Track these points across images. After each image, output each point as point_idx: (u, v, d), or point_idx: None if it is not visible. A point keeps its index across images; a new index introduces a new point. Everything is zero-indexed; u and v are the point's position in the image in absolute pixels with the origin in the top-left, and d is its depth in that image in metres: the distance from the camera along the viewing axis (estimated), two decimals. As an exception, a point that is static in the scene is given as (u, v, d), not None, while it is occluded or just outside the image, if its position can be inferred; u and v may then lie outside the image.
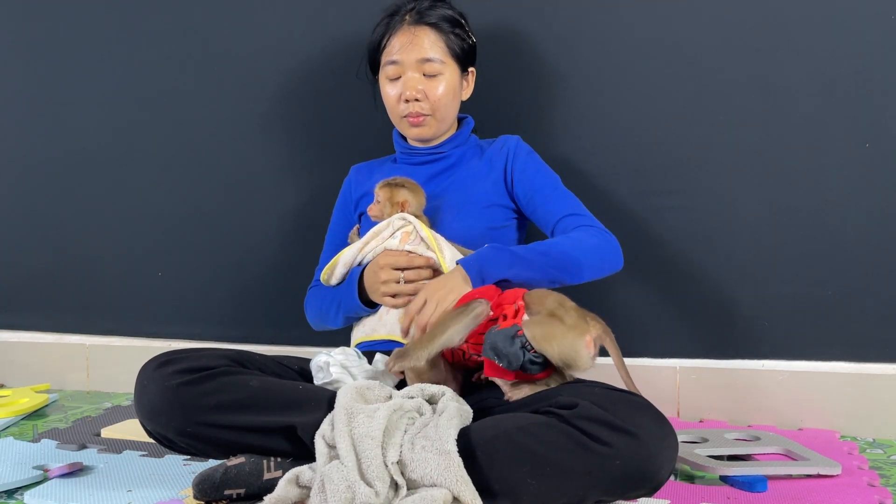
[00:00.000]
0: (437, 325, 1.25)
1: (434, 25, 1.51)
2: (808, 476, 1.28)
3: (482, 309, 1.24)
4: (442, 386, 1.23)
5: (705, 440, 1.41)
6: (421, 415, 1.16)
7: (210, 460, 1.36)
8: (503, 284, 1.33)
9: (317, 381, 1.31)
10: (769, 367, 1.61)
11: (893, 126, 1.53)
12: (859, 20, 1.54)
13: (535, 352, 1.16)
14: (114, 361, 2.05)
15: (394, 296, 1.40)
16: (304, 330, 1.69)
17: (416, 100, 1.51)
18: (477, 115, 1.66)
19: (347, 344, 1.51)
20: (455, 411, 1.14)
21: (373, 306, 1.45)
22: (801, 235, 1.59)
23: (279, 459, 1.20)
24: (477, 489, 1.05)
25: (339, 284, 1.49)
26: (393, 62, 1.52)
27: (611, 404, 1.09)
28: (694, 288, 1.65)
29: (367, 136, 1.80)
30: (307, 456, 1.16)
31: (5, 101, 2.13)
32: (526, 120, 1.73)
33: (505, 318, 1.23)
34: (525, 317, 1.21)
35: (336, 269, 1.48)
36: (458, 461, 1.05)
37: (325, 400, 1.20)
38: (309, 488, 1.11)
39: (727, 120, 1.62)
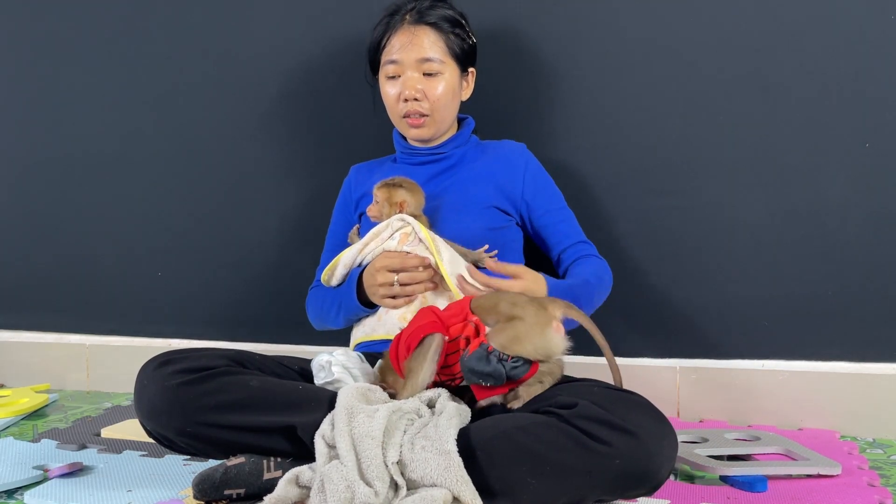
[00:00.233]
0: (409, 372, 1.23)
1: (434, 25, 1.51)
2: (808, 476, 1.28)
3: (438, 341, 1.22)
4: (438, 388, 1.23)
5: (705, 440, 1.41)
6: (420, 416, 1.16)
7: (210, 460, 1.36)
8: None
9: (318, 381, 1.31)
10: (769, 367, 1.61)
11: (893, 126, 1.53)
12: (859, 20, 1.54)
13: (512, 357, 1.16)
14: (114, 361, 2.05)
15: (392, 297, 1.40)
16: (304, 330, 1.70)
17: (416, 99, 1.51)
18: (477, 115, 1.66)
19: (347, 343, 1.51)
20: (454, 411, 1.14)
21: (372, 307, 1.45)
22: (801, 236, 1.59)
23: (279, 459, 1.20)
24: (477, 489, 1.05)
25: (339, 285, 1.50)
26: (392, 61, 1.52)
27: (610, 403, 1.09)
28: (694, 288, 1.65)
29: (367, 136, 1.80)
30: (307, 456, 1.15)
31: (5, 101, 2.13)
32: (526, 120, 1.73)
33: (468, 340, 1.21)
34: (487, 329, 1.21)
35: (336, 270, 1.48)
36: (458, 461, 1.05)
37: (326, 400, 1.20)
38: (309, 488, 1.11)
39: (727, 120, 1.62)
